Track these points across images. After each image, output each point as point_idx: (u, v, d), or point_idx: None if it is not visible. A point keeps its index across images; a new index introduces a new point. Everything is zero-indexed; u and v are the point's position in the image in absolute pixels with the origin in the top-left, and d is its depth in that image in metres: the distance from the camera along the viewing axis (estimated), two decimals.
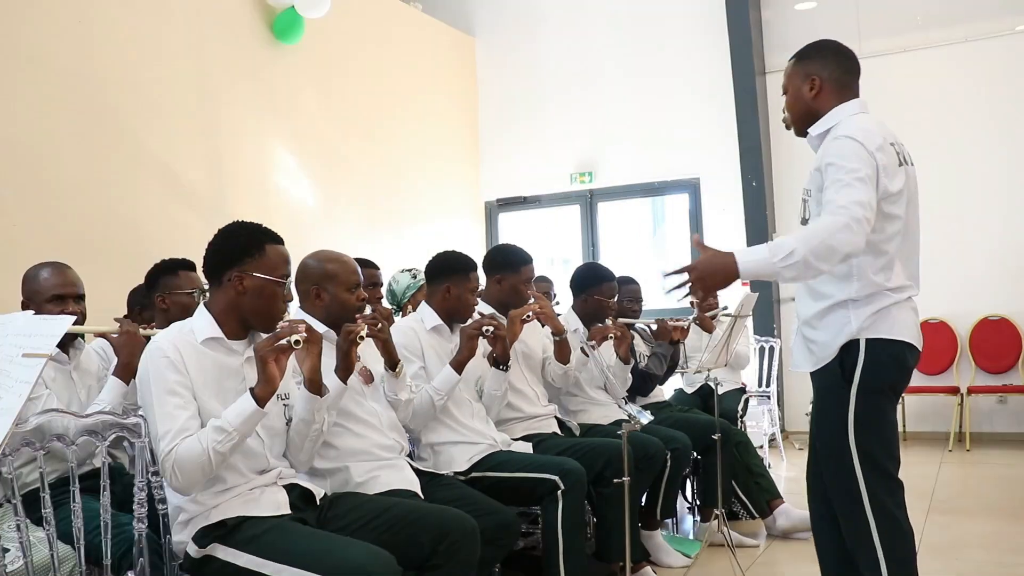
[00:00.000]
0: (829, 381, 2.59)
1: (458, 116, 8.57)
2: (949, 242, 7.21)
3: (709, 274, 2.41)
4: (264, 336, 2.38)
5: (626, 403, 4.06)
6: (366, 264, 4.16)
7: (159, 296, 3.32)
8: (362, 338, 2.71)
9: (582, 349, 3.99)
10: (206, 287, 3.34)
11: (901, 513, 2.54)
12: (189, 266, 3.37)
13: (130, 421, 2.26)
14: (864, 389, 2.52)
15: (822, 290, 2.58)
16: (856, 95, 2.62)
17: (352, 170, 7.11)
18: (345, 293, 2.83)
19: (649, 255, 8.76)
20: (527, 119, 8.55)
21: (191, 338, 2.38)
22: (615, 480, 2.86)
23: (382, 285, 4.66)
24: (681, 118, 7.93)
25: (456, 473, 3.19)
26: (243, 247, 2.43)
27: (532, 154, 8.52)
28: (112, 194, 5.12)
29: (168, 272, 3.35)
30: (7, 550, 2.25)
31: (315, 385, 2.46)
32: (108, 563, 2.23)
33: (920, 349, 2.60)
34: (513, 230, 8.62)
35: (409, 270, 4.73)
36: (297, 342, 2.29)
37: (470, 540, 2.47)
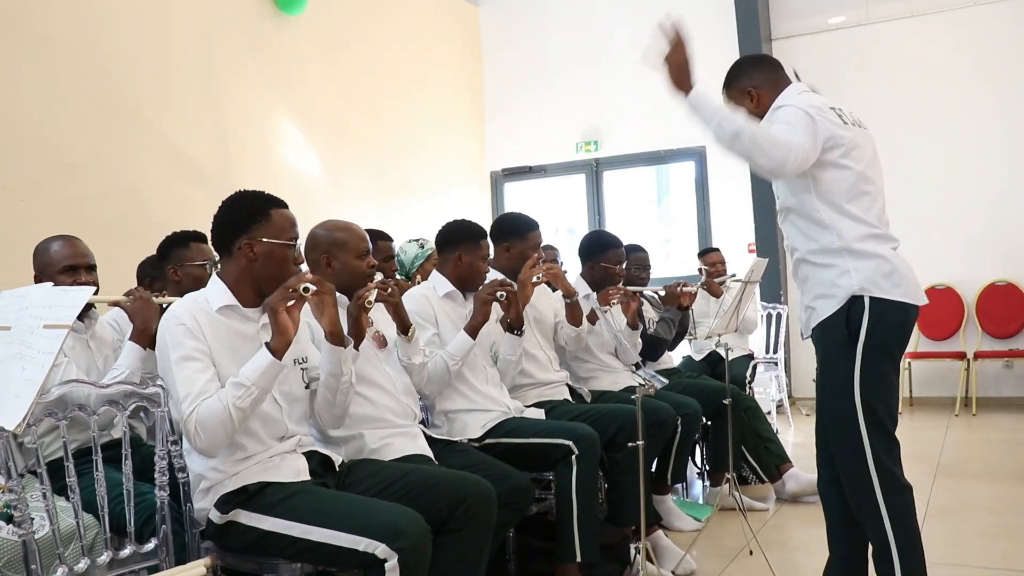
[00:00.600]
0: (834, 339, 2.66)
1: (463, 86, 8.53)
2: (956, 208, 7.21)
3: (678, 66, 2.64)
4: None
5: (638, 368, 4.07)
6: (381, 236, 4.16)
7: (171, 268, 3.34)
8: (371, 303, 2.72)
9: (592, 312, 4.01)
10: (217, 259, 3.36)
11: (898, 470, 2.65)
12: (200, 238, 3.38)
13: (150, 391, 2.28)
14: (869, 349, 2.60)
15: (815, 236, 2.68)
16: (788, 82, 2.81)
17: (357, 142, 7.09)
18: (355, 260, 2.85)
19: (655, 224, 8.77)
20: (532, 89, 8.51)
21: (206, 307, 2.40)
22: (628, 444, 2.88)
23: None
24: None
25: (470, 440, 3.22)
26: (249, 214, 2.44)
27: (537, 124, 8.50)
28: (117, 169, 5.11)
29: (179, 244, 3.36)
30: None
31: (336, 336, 2.47)
32: (132, 530, 2.25)
33: (921, 304, 2.69)
34: (519, 200, 8.61)
35: (417, 240, 4.73)
36: (307, 289, 2.30)
37: (487, 504, 2.49)
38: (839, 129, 2.64)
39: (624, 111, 8.16)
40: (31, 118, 4.66)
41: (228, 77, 5.96)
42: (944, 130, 7.22)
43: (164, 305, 2.91)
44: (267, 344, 2.27)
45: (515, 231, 3.73)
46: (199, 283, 3.28)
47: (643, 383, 2.96)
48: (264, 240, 2.41)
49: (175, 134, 5.53)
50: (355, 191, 6.93)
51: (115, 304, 3.03)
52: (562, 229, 8.52)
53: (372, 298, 2.70)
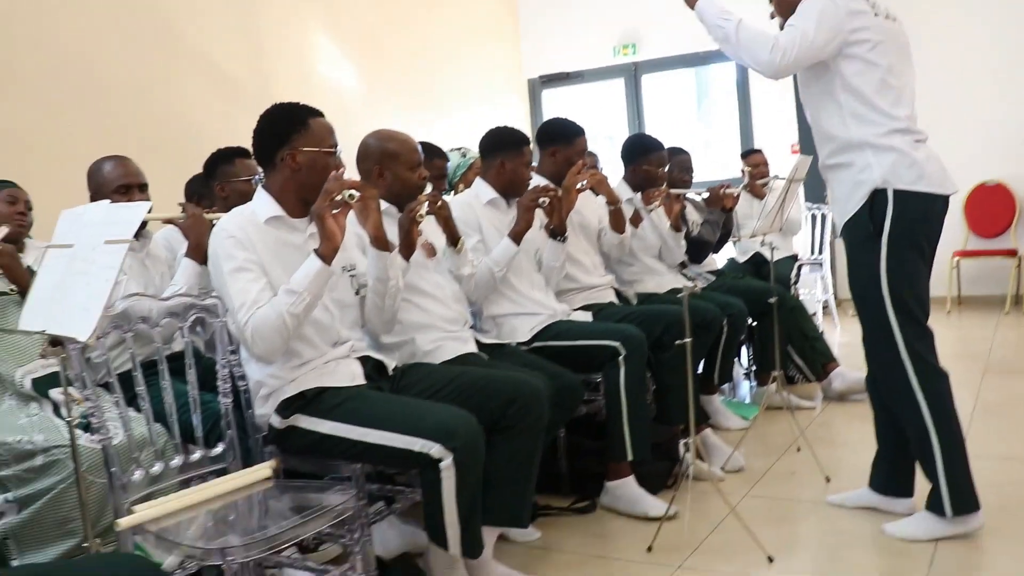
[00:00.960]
0: (860, 233, 2.72)
1: None
2: (1008, 102, 7.00)
3: None
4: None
5: (684, 268, 4.08)
6: (437, 154, 4.12)
7: (217, 184, 3.39)
8: (423, 216, 2.75)
9: (636, 213, 4.01)
10: (261, 173, 3.40)
11: (933, 358, 2.70)
12: (244, 154, 3.42)
13: (208, 302, 2.35)
14: (894, 240, 2.65)
15: (835, 133, 2.73)
16: None
17: (394, 53, 7.02)
18: (407, 171, 2.86)
19: (695, 127, 8.63)
20: None
21: (254, 219, 2.44)
22: (676, 343, 2.90)
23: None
24: None
25: (519, 343, 3.27)
26: (288, 125, 2.46)
27: (574, 28, 8.31)
28: (160, 91, 5.15)
29: (224, 161, 3.41)
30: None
31: (381, 241, 2.51)
32: (201, 436, 2.34)
33: (950, 193, 2.71)
34: (557, 107, 8.50)
35: (458, 149, 4.73)
36: (352, 196, 2.32)
37: (538, 403, 2.54)
38: (867, 19, 2.65)
39: (662, 12, 7.87)
40: (74, 44, 4.69)
41: None
42: (995, 22, 6.97)
43: (215, 221, 2.96)
44: (316, 251, 2.31)
45: (561, 136, 3.71)
46: (245, 198, 3.32)
47: (690, 282, 2.97)
48: (305, 149, 2.44)
49: (212, 53, 5.53)
50: (392, 103, 6.90)
51: (169, 221, 3.09)
52: (601, 136, 8.41)
53: (423, 211, 2.72)
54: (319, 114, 2.52)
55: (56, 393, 2.55)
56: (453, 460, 2.21)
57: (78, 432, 2.28)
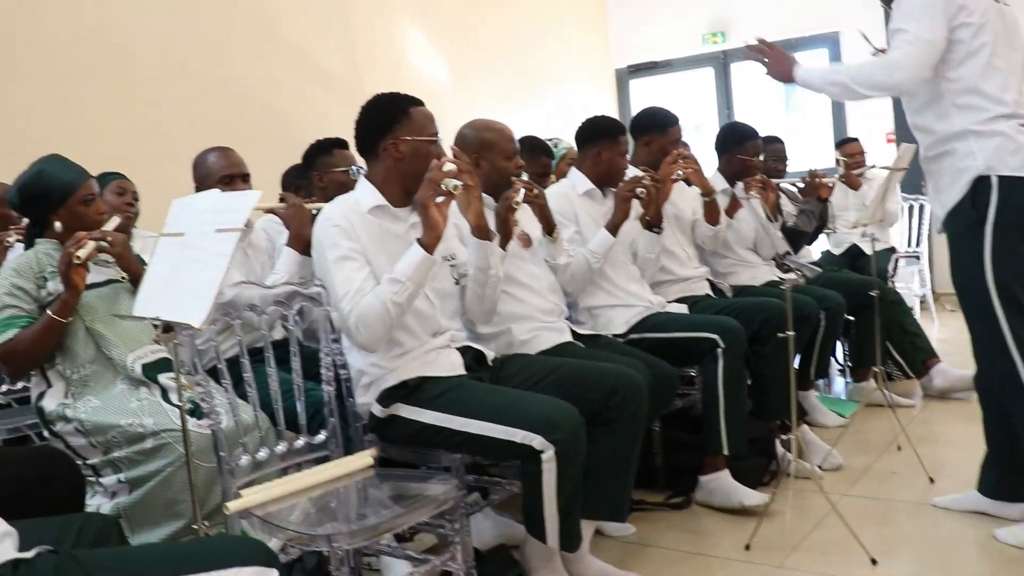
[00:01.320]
0: (962, 222, 2.62)
1: None
2: None
3: (776, 61, 2.95)
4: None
5: (786, 257, 3.99)
6: (542, 150, 4.09)
7: (316, 174, 3.43)
8: (519, 203, 2.74)
9: (732, 201, 3.95)
10: (359, 164, 3.43)
11: None
12: (342, 144, 3.45)
13: (312, 290, 2.37)
14: (999, 228, 2.55)
15: (935, 126, 2.65)
16: None
17: (481, 43, 7.04)
18: (503, 161, 2.86)
19: (785, 116, 8.43)
20: None
21: (357, 208, 2.46)
22: (778, 335, 2.84)
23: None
24: None
25: (615, 335, 3.24)
26: (389, 115, 2.48)
27: (661, 16, 8.19)
28: (257, 83, 5.27)
29: (323, 151, 3.44)
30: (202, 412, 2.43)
31: (483, 230, 2.51)
32: (304, 424, 2.37)
33: None
34: (644, 97, 8.40)
35: (550, 140, 4.69)
36: (456, 187, 2.31)
37: (638, 395, 2.52)
38: (971, 2, 2.56)
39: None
40: (178, 37, 4.84)
41: None
42: None
43: (315, 211, 3.00)
44: (418, 240, 2.32)
45: (656, 125, 3.68)
46: (343, 188, 3.37)
47: (794, 271, 2.90)
48: (407, 138, 2.45)
49: (306, 46, 5.63)
50: (481, 92, 6.91)
51: (270, 211, 3.14)
52: (689, 126, 8.29)
53: (519, 199, 2.71)
54: (419, 103, 2.53)
55: (165, 378, 2.61)
56: (555, 452, 2.20)
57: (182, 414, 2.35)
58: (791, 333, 2.81)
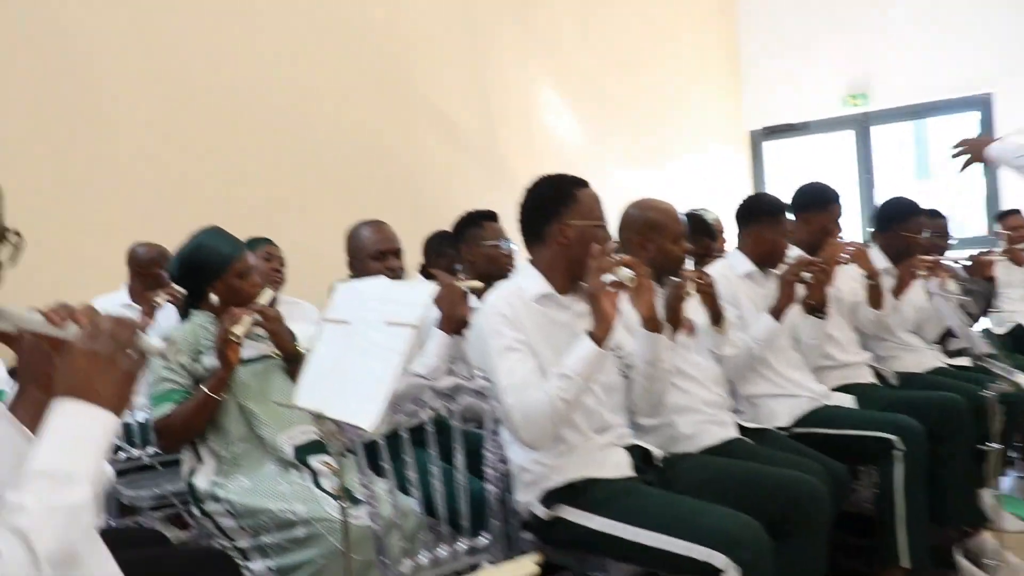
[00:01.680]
0: None
1: (717, 41, 8.16)
2: None
3: (974, 148, 3.07)
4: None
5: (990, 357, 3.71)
6: (706, 232, 3.97)
7: (465, 247, 3.38)
8: (689, 293, 2.61)
9: (898, 284, 3.69)
10: (508, 239, 3.35)
11: None
12: (492, 216, 3.41)
13: (479, 384, 2.27)
14: None
15: None
16: None
17: (613, 104, 6.97)
18: (670, 244, 2.73)
19: (926, 183, 8.03)
20: (792, 38, 7.91)
21: (522, 295, 2.36)
22: (985, 446, 2.59)
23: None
24: (970, 20, 7.10)
25: (779, 428, 3.04)
26: (556, 199, 2.38)
27: (799, 77, 7.91)
28: (393, 142, 5.31)
29: (472, 224, 3.40)
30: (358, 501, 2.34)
31: (654, 323, 2.35)
32: (466, 525, 2.25)
33: None
34: (779, 160, 8.15)
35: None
36: (632, 279, 2.20)
37: (820, 506, 2.33)
38: None
39: (895, 58, 7.44)
40: (321, 95, 4.93)
41: (490, 46, 6.04)
42: None
43: (466, 289, 2.93)
44: (589, 332, 2.19)
45: (817, 202, 3.51)
46: (493, 262, 3.32)
47: (999, 377, 2.65)
48: (574, 223, 2.34)
49: (444, 106, 5.67)
50: (612, 154, 6.82)
51: None
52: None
53: (691, 289, 2.58)
54: (585, 184, 2.43)
55: (317, 462, 2.54)
56: (740, 573, 2.02)
57: (338, 504, 2.27)
58: (997, 446, 2.55)
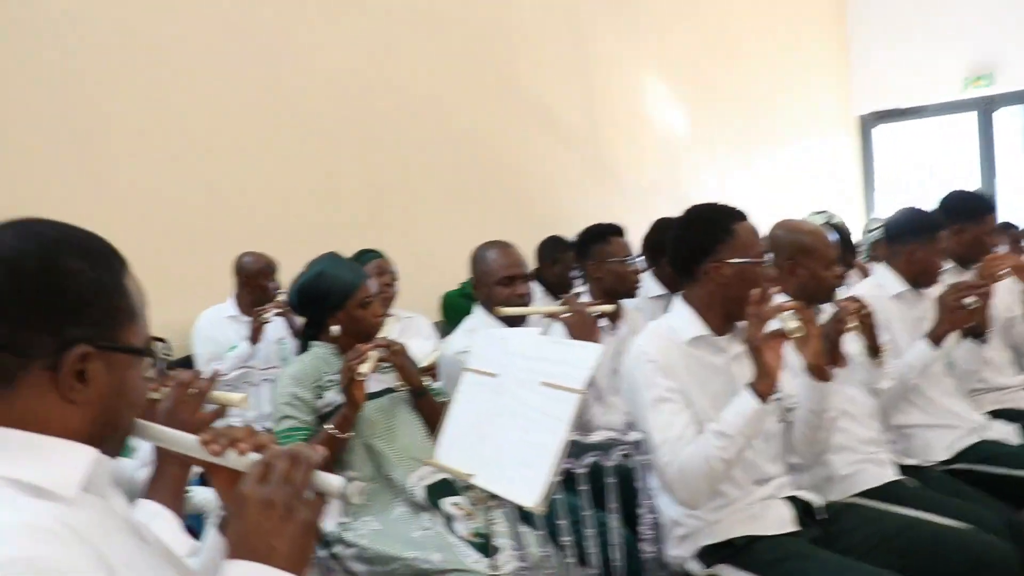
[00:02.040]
0: None
1: (823, 21, 7.81)
2: None
3: None
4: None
5: None
6: (847, 247, 3.73)
7: (592, 263, 3.22)
8: (850, 328, 2.41)
9: None
10: (635, 255, 3.18)
11: None
12: (618, 231, 3.25)
13: (632, 438, 2.11)
14: None
15: None
16: None
17: (718, 93, 6.73)
18: (823, 269, 2.53)
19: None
20: (906, 15, 7.51)
21: (674, 337, 2.20)
22: None
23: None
24: None
25: (937, 463, 2.80)
26: (711, 234, 2.21)
27: (913, 59, 7.49)
28: (500, 141, 5.19)
29: (599, 239, 3.24)
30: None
31: (820, 371, 2.16)
32: None
33: None
34: (890, 146, 7.77)
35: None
36: (799, 331, 2.01)
37: (1007, 566, 2.11)
38: None
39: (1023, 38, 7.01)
40: (432, 98, 4.86)
41: (594, 39, 5.87)
42: None
43: (596, 315, 2.78)
44: (751, 386, 2.01)
45: (970, 213, 3.25)
46: (620, 280, 3.17)
47: None
48: (731, 261, 2.16)
49: (548, 102, 5.53)
50: (719, 144, 6.59)
51: (551, 315, 2.92)
52: (945, 178, 7.57)
53: (852, 324, 2.37)
54: (743, 217, 2.24)
55: (449, 505, 2.41)
56: None
57: (471, 553, 2.16)
58: None
